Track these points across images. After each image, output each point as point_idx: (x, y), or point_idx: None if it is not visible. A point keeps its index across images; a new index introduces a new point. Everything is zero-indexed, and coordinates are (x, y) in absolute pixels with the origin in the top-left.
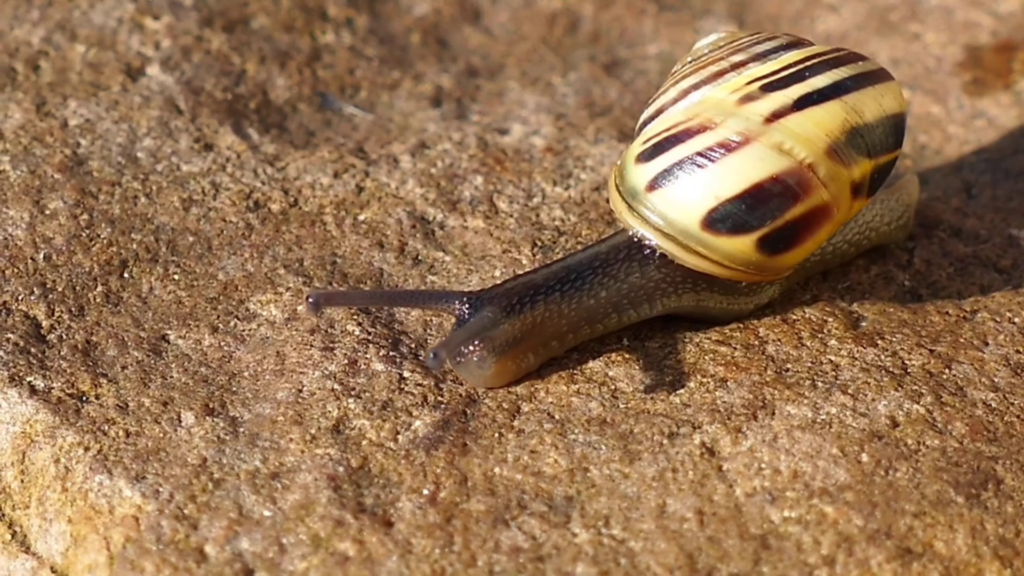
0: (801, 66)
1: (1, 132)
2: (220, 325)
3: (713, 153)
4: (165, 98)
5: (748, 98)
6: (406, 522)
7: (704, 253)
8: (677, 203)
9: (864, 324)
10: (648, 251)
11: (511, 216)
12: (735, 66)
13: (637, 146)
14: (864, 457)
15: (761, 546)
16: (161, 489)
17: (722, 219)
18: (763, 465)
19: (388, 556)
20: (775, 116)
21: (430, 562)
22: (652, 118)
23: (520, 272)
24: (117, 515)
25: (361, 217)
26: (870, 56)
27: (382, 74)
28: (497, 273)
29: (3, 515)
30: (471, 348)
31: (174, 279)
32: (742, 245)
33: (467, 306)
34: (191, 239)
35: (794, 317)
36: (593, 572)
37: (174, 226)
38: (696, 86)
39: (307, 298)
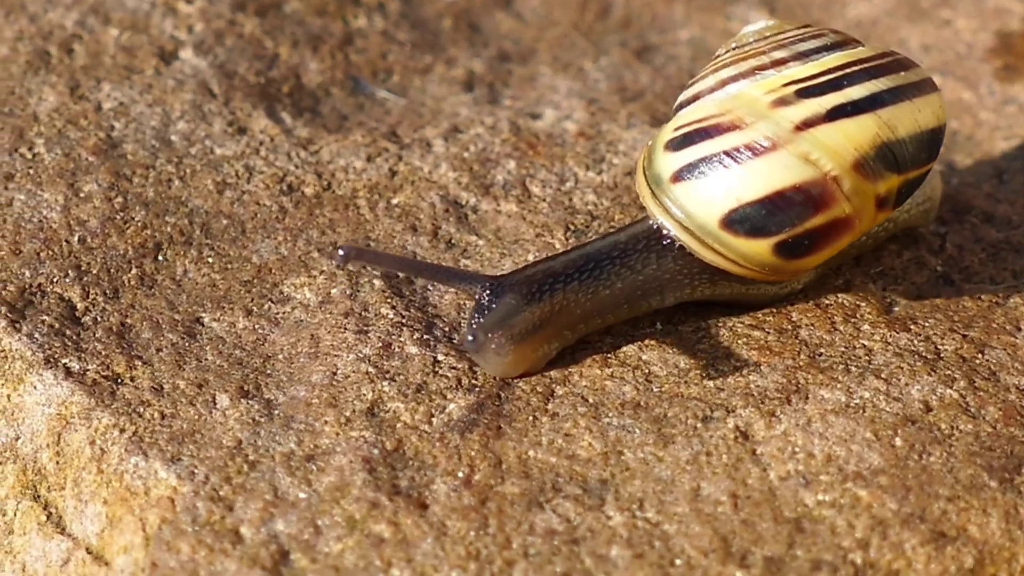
0: (840, 73)
1: (35, 115)
2: (254, 308)
3: (739, 154)
4: (198, 82)
5: (782, 102)
6: (441, 504)
7: (721, 251)
8: (699, 199)
9: (897, 309)
10: (667, 242)
11: (544, 200)
12: (775, 63)
13: (668, 132)
14: (898, 441)
15: (795, 529)
16: (196, 471)
17: (741, 221)
18: (797, 449)
19: (423, 538)
20: (806, 125)
21: (465, 544)
22: (688, 103)
23: (538, 258)
24: (153, 496)
25: (394, 201)
26: (917, 63)
27: (414, 59)
28: (530, 257)
29: (38, 496)
30: (491, 335)
31: (208, 262)
32: (759, 248)
33: (487, 292)
34: (225, 222)
35: (827, 302)
36: (628, 555)
37: (208, 209)
38: (734, 78)
39: (338, 248)
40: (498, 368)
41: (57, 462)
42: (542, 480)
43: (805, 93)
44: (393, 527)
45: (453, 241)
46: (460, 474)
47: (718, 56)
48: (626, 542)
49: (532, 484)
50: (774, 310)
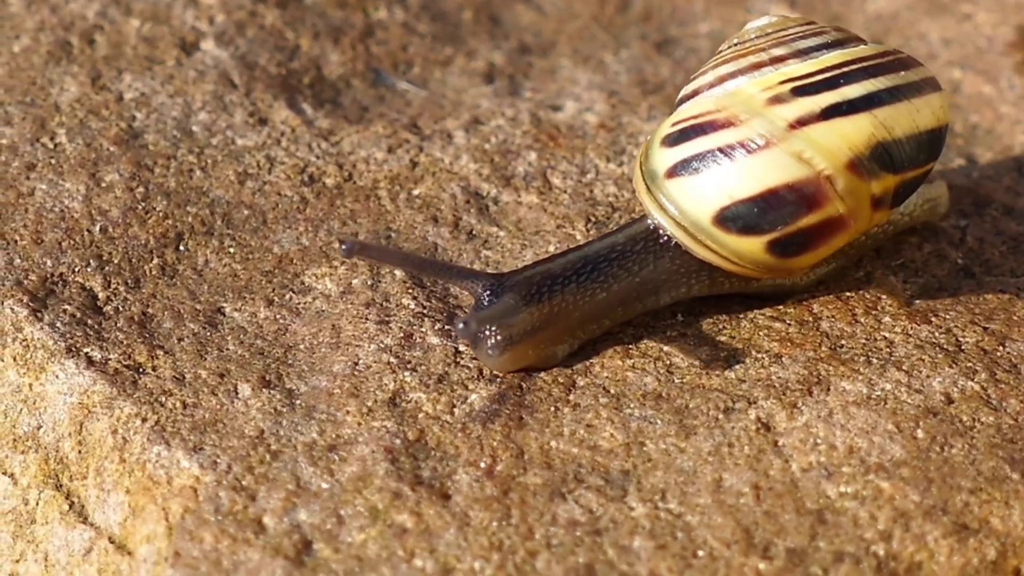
0: (837, 72)
1: (57, 105)
2: (275, 298)
3: (733, 151)
4: (219, 72)
5: (777, 99)
6: (463, 495)
7: (714, 248)
8: (692, 195)
9: (918, 301)
10: (664, 240)
11: (565, 192)
12: (774, 60)
13: (666, 127)
14: (919, 433)
15: (817, 521)
16: (219, 460)
17: (733, 218)
18: (819, 440)
19: (446, 528)
20: (800, 123)
21: (487, 534)
22: (688, 98)
23: (537, 259)
24: (175, 486)
25: (415, 192)
26: (919, 63)
27: (435, 50)
28: (551, 248)
29: (60, 486)
30: (488, 331)
31: (229, 252)
32: (752, 246)
33: (488, 290)
34: (246, 212)
35: (848, 294)
36: (650, 546)
37: (229, 199)
38: (732, 75)
39: (341, 242)
40: (492, 363)
41: (79, 451)
42: (564, 471)
43: (801, 91)
44: (416, 517)
45: (474, 232)
46: (482, 464)
47: (720, 52)
48: (648, 533)
49: (554, 475)
50: (795, 302)
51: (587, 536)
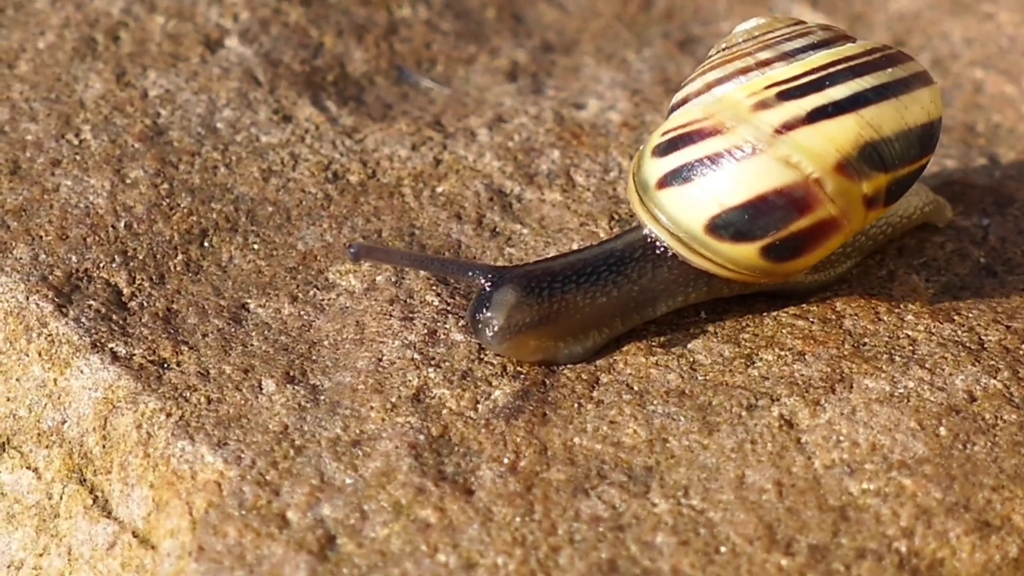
0: (823, 73)
1: (82, 102)
2: (299, 294)
3: (721, 159)
4: (244, 70)
5: (763, 105)
6: (487, 490)
7: (709, 256)
8: (683, 205)
9: (940, 300)
10: (661, 250)
11: (588, 190)
12: (760, 64)
13: (656, 136)
14: (942, 431)
15: (840, 517)
16: (243, 455)
17: (725, 226)
18: (841, 438)
19: (469, 524)
20: (785, 128)
21: (511, 530)
22: (678, 105)
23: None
24: (199, 480)
25: (439, 189)
26: (910, 58)
27: (458, 48)
28: (575, 246)
29: (84, 480)
30: (487, 319)
31: (253, 248)
32: (746, 252)
33: (489, 282)
34: (270, 209)
35: (871, 292)
36: (673, 542)
37: (253, 196)
38: (720, 81)
39: (349, 247)
40: (494, 349)
41: (103, 446)
42: (587, 467)
43: (786, 95)
44: (439, 512)
45: (498, 229)
46: (506, 460)
47: (709, 57)
48: (671, 529)
49: (577, 471)
50: (818, 300)
51: (610, 532)
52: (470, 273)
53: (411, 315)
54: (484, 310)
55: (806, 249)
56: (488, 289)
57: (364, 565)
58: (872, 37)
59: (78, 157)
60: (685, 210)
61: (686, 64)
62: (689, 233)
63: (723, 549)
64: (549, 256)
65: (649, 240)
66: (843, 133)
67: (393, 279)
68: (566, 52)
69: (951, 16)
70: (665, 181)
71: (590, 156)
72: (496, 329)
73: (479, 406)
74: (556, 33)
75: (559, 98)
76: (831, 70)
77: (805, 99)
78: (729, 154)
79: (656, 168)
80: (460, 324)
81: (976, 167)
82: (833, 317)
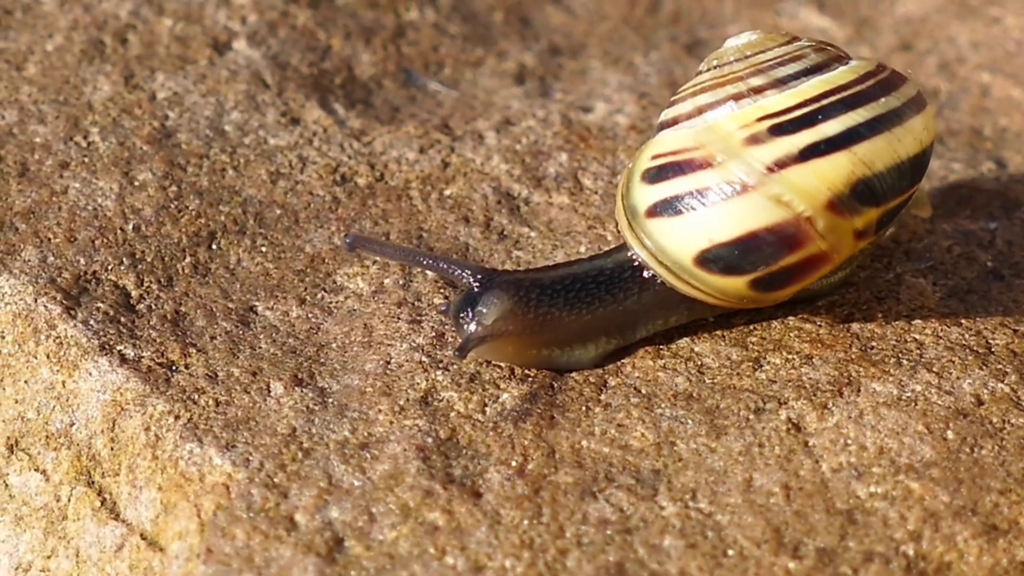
0: (816, 106)
1: (90, 104)
2: (307, 297)
3: (711, 194)
4: (252, 72)
5: (755, 140)
6: (495, 493)
7: (697, 285)
8: (672, 237)
9: (947, 303)
10: (649, 275)
11: (596, 193)
12: (752, 91)
13: (645, 159)
14: (950, 435)
15: (847, 521)
16: (251, 458)
17: (714, 260)
18: (849, 441)
19: (477, 526)
20: (777, 165)
21: (519, 533)
22: (668, 125)
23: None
24: (208, 483)
25: (447, 192)
26: (905, 78)
27: (466, 51)
28: (583, 249)
29: (92, 482)
30: (470, 315)
31: (261, 251)
32: (734, 284)
33: (477, 283)
34: (278, 212)
35: (878, 295)
36: (680, 545)
37: (261, 199)
38: (711, 106)
39: (344, 236)
40: (472, 349)
41: (112, 448)
42: (595, 470)
43: (779, 130)
44: (447, 515)
45: (505, 232)
46: (513, 463)
47: (701, 73)
48: (679, 532)
49: (585, 474)
50: (826, 303)
51: (617, 535)
52: (460, 272)
53: (419, 318)
54: (470, 310)
55: (795, 280)
56: (477, 289)
57: (372, 568)
58: (879, 41)
59: (86, 159)
60: (674, 241)
61: (693, 67)
62: (678, 264)
63: (731, 552)
64: (539, 267)
65: (636, 263)
66: (835, 171)
67: (401, 281)
68: (573, 55)
69: (958, 20)
70: (655, 210)
71: (597, 159)
72: (479, 330)
73: (487, 409)
74: (563, 36)
75: (566, 101)
76: (824, 102)
77: (798, 135)
78: (720, 189)
79: (646, 195)
80: None
81: (983, 171)
82: (840, 320)
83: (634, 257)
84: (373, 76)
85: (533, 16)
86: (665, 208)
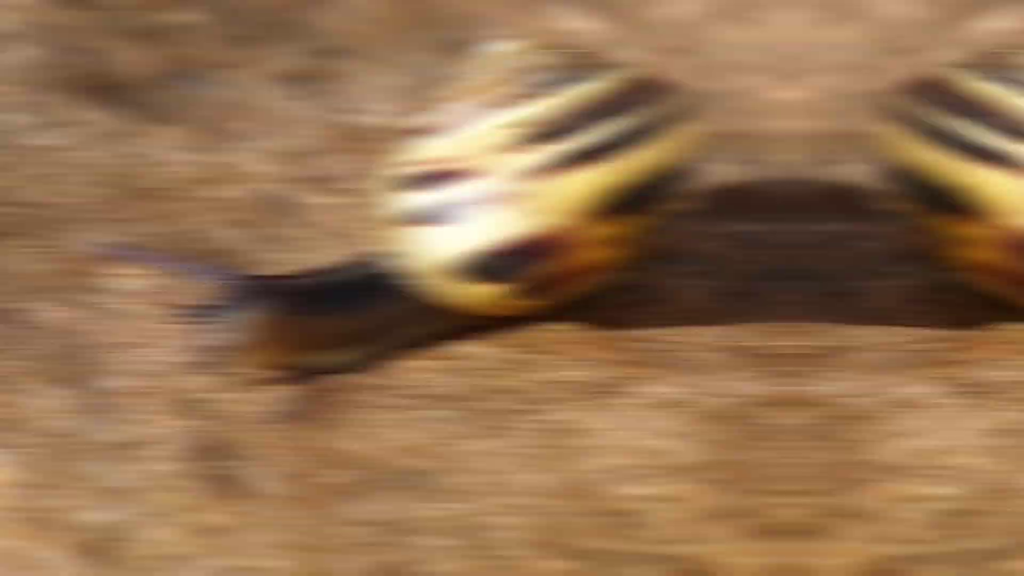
0: (576, 114)
1: None
2: (74, 298)
3: (470, 202)
4: (19, 72)
5: (513, 148)
6: (265, 495)
7: (458, 293)
8: (431, 245)
9: (718, 305)
10: (410, 281)
11: (362, 197)
12: (511, 98)
13: (406, 167)
14: (719, 435)
15: (617, 522)
16: (17, 460)
17: (473, 268)
18: (619, 443)
19: (247, 527)
20: (537, 174)
21: (289, 533)
22: (427, 132)
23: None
24: None
25: (216, 194)
26: (668, 87)
27: (234, 53)
28: (348, 253)
29: None
30: (229, 320)
31: (27, 252)
32: (496, 292)
33: (238, 288)
34: (45, 213)
35: (647, 298)
36: (450, 545)
37: (27, 200)
38: (472, 113)
39: (109, 240)
40: (226, 351)
41: None
42: (365, 471)
43: (536, 138)
44: (218, 516)
45: (271, 236)
46: (284, 465)
47: (462, 80)
48: (448, 533)
49: (355, 475)
50: (599, 306)
51: (388, 535)
52: (222, 277)
53: (187, 320)
54: (231, 314)
55: (554, 288)
56: (238, 294)
57: (141, 568)
58: (648, 44)
59: None
60: (431, 250)
61: (457, 72)
62: (436, 271)
63: (500, 553)
64: (302, 271)
65: (397, 270)
66: (595, 180)
67: (168, 284)
68: (343, 57)
69: (726, 22)
70: (413, 218)
71: (363, 162)
72: (241, 335)
73: (257, 411)
74: (332, 38)
75: (334, 104)
76: (584, 111)
77: (556, 144)
78: (479, 197)
79: (406, 203)
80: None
81: (754, 173)
82: (611, 324)
83: (395, 264)
84: (142, 77)
85: (303, 17)
86: (422, 217)
